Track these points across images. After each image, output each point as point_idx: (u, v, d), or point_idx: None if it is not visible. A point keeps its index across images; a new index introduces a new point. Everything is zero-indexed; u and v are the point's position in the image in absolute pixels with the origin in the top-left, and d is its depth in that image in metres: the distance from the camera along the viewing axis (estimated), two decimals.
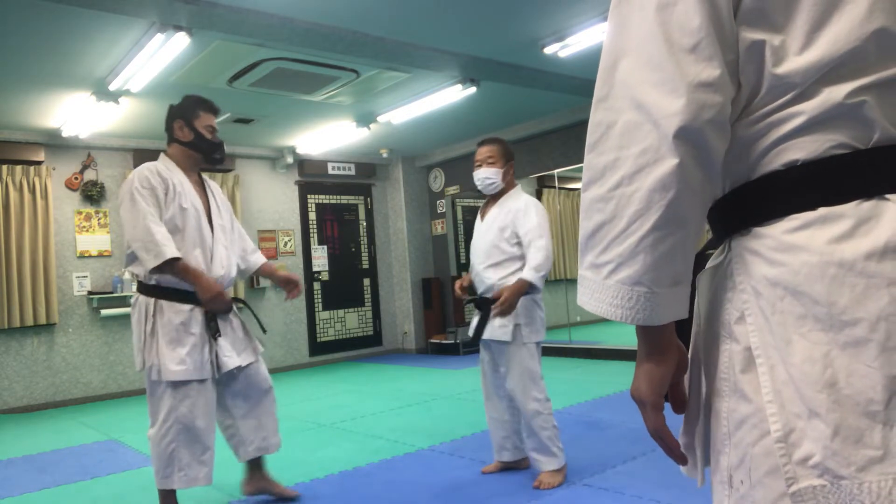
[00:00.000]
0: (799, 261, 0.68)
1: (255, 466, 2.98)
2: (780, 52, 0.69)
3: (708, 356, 0.79)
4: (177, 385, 2.64)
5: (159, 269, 2.59)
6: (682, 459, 0.82)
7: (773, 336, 0.69)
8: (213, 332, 2.72)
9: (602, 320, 7.30)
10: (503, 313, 2.91)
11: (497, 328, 3.01)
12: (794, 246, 0.68)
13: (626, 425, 3.85)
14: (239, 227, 3.05)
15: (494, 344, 3.06)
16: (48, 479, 3.65)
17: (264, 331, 3.14)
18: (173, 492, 2.73)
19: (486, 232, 3.14)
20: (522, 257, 3.05)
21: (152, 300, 2.66)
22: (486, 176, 3.14)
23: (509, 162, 3.18)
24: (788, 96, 0.69)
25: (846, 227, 0.66)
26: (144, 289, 2.69)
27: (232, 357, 2.77)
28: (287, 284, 3.02)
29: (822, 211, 0.68)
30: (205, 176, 2.95)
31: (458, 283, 3.25)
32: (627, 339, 6.54)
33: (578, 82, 5.50)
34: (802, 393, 0.66)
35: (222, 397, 2.87)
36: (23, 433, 5.01)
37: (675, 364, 0.79)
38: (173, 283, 2.68)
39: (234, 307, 2.91)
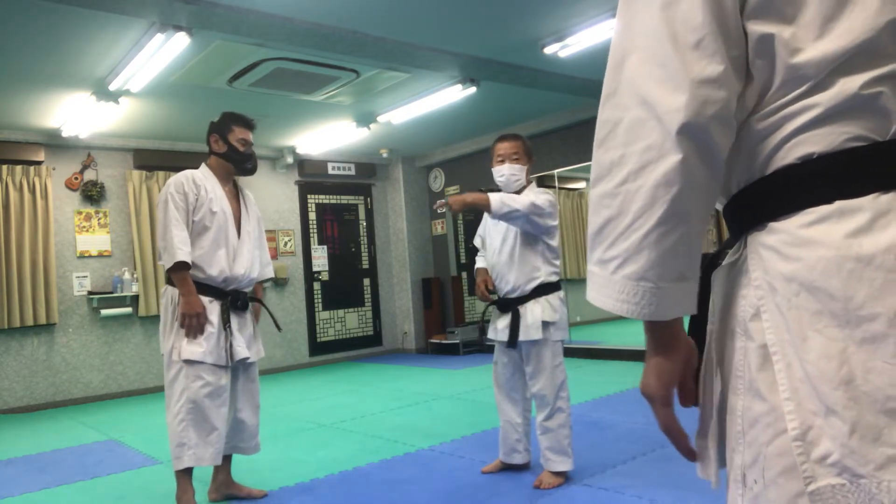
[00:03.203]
0: (815, 255, 0.67)
1: (223, 471, 3.05)
2: (792, 45, 0.69)
3: (723, 354, 0.78)
4: (191, 365, 2.81)
5: (172, 269, 2.82)
6: (690, 455, 0.82)
7: (789, 333, 0.68)
8: (224, 322, 2.91)
9: (602, 320, 7.31)
10: (452, 204, 2.79)
11: (528, 327, 2.97)
12: (810, 240, 0.67)
13: (626, 425, 3.85)
14: (263, 239, 3.22)
15: (524, 344, 3.01)
16: (48, 478, 3.64)
17: (279, 328, 3.33)
18: (188, 475, 2.85)
19: (507, 233, 3.06)
20: (546, 255, 3.02)
21: (178, 291, 2.87)
22: (511, 172, 3.02)
23: (531, 159, 3.10)
24: (802, 88, 0.69)
25: (863, 220, 0.65)
26: (171, 281, 2.90)
27: (243, 348, 2.95)
28: (254, 314, 3.15)
29: (838, 204, 0.66)
30: (242, 187, 3.17)
31: (479, 285, 3.16)
32: (627, 339, 6.54)
33: (578, 82, 5.50)
34: (819, 390, 0.65)
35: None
36: (23, 433, 5.00)
37: (684, 359, 0.79)
38: (197, 277, 2.88)
39: (251, 306, 3.11)
